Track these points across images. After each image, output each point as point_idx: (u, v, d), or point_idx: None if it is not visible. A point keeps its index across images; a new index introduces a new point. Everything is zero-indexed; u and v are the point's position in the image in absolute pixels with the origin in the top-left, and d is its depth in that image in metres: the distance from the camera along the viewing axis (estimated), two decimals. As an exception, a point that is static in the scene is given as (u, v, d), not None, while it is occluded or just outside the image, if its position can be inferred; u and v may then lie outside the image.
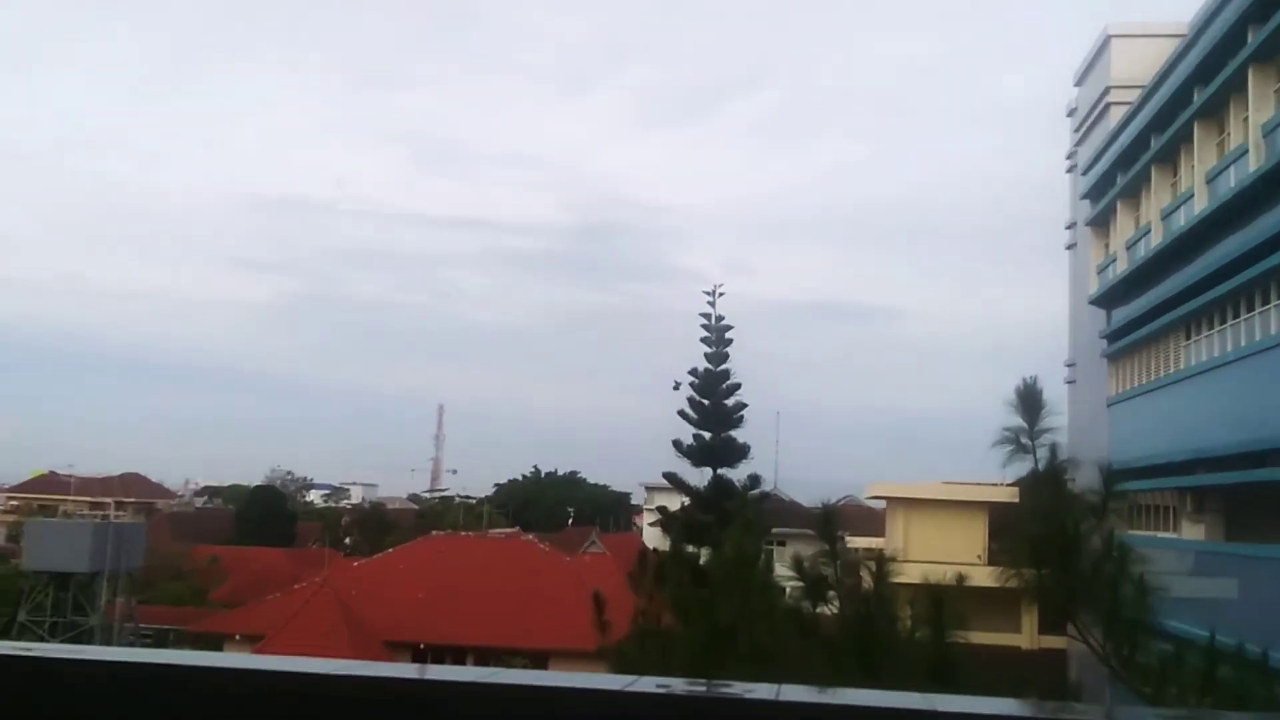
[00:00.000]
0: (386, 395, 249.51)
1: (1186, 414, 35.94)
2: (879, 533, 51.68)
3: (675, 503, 39.93)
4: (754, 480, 34.22)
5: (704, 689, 2.71)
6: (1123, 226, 45.56)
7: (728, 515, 33.70)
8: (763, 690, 2.67)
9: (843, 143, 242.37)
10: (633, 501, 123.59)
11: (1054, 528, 8.99)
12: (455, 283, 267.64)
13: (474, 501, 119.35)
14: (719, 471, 34.73)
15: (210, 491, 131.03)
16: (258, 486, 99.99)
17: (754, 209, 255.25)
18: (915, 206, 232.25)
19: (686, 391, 35.12)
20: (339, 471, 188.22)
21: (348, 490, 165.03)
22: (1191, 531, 35.83)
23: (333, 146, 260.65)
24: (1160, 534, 37.25)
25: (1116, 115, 45.73)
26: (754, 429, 36.44)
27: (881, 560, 11.34)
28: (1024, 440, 9.64)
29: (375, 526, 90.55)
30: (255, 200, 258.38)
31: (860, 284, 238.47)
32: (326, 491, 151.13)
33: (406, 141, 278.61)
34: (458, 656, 47.37)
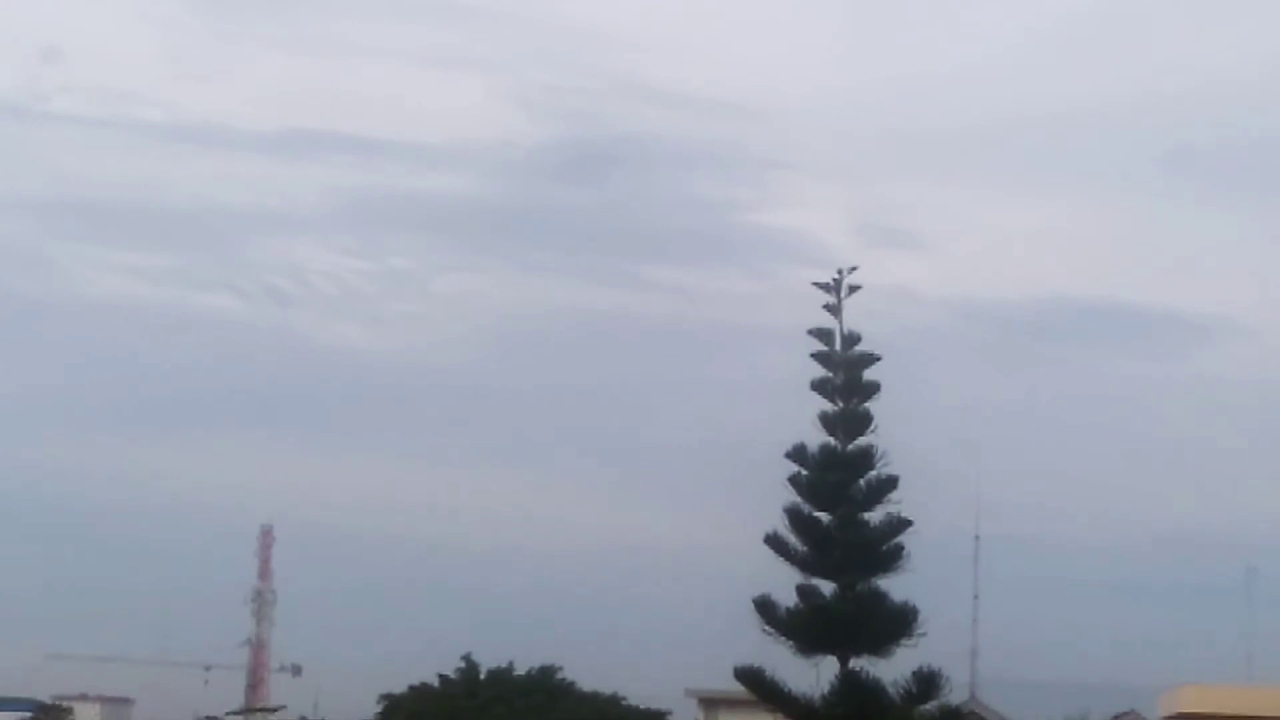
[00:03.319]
0: (146, 507, 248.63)
1: None
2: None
3: (761, 730, 39.59)
4: (926, 681, 34.71)
5: None
6: None
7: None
8: None
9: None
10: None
11: None
12: (293, 269, 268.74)
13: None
14: (852, 664, 35.04)
15: None
16: None
17: (919, 112, 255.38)
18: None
19: (782, 494, 35.51)
20: (47, 674, 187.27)
21: (68, 711, 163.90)
22: None
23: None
24: None
25: None
26: (927, 573, 36.75)
27: None
28: None
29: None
30: None
31: (1151, 271, 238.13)
32: (24, 715, 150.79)
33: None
34: None
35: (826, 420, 35.20)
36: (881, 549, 34.81)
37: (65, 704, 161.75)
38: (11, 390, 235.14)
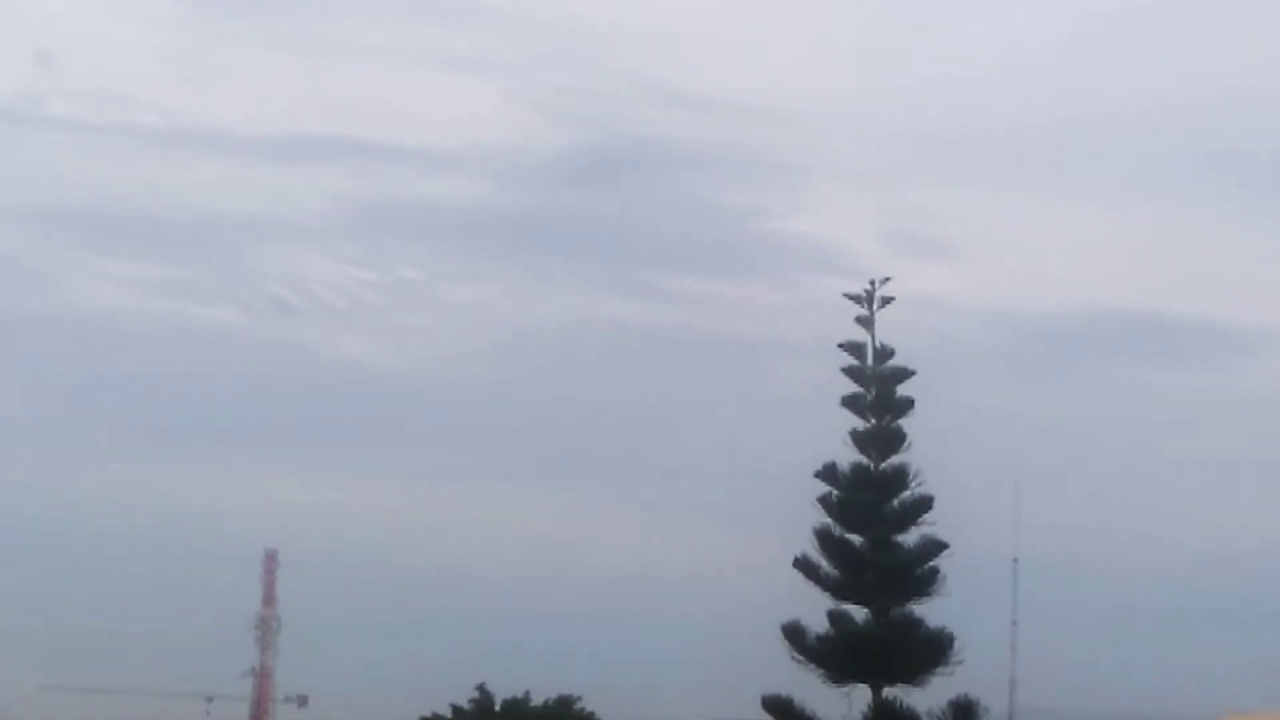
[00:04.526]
0: (143, 529, 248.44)
1: None
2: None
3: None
4: (963, 711, 34.86)
5: None
6: None
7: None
8: None
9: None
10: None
11: None
12: (297, 280, 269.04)
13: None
14: (886, 693, 35.11)
15: None
16: None
17: (951, 117, 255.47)
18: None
19: (811, 515, 35.60)
20: (45, 706, 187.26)
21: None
22: None
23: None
24: None
25: None
26: (964, 597, 36.84)
27: None
28: None
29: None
30: None
31: (1194, 281, 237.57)
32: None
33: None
34: None
35: (858, 438, 35.22)
36: (916, 572, 34.83)
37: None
38: (1, 407, 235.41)
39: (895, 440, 35.02)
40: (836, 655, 34.48)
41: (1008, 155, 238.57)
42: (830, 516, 35.01)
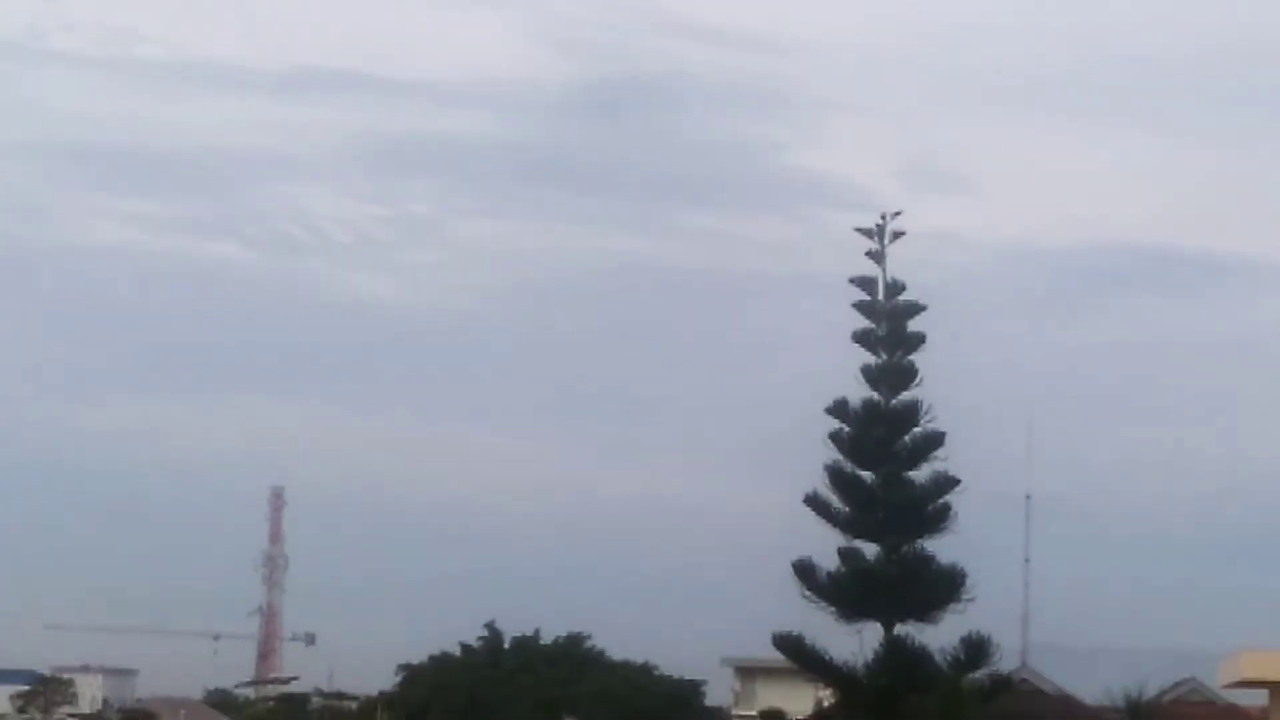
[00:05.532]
0: (148, 468, 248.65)
1: None
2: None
3: (803, 701, 39.66)
4: (975, 648, 34.99)
5: None
6: None
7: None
8: None
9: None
10: (708, 702, 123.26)
11: None
12: (305, 216, 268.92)
13: (355, 704, 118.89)
14: (897, 631, 35.32)
15: None
16: None
17: (969, 49, 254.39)
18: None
19: (823, 451, 35.65)
20: (51, 645, 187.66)
21: (69, 683, 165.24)
22: None
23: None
24: None
25: None
26: (976, 534, 37.02)
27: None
28: None
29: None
30: None
31: (1216, 216, 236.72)
32: (23, 687, 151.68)
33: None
34: None
35: (869, 373, 35.30)
36: (927, 509, 34.90)
37: (66, 675, 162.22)
38: (5, 346, 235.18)
39: (906, 376, 35.04)
40: (847, 592, 34.58)
41: (1027, 90, 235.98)
42: (841, 453, 35.05)
